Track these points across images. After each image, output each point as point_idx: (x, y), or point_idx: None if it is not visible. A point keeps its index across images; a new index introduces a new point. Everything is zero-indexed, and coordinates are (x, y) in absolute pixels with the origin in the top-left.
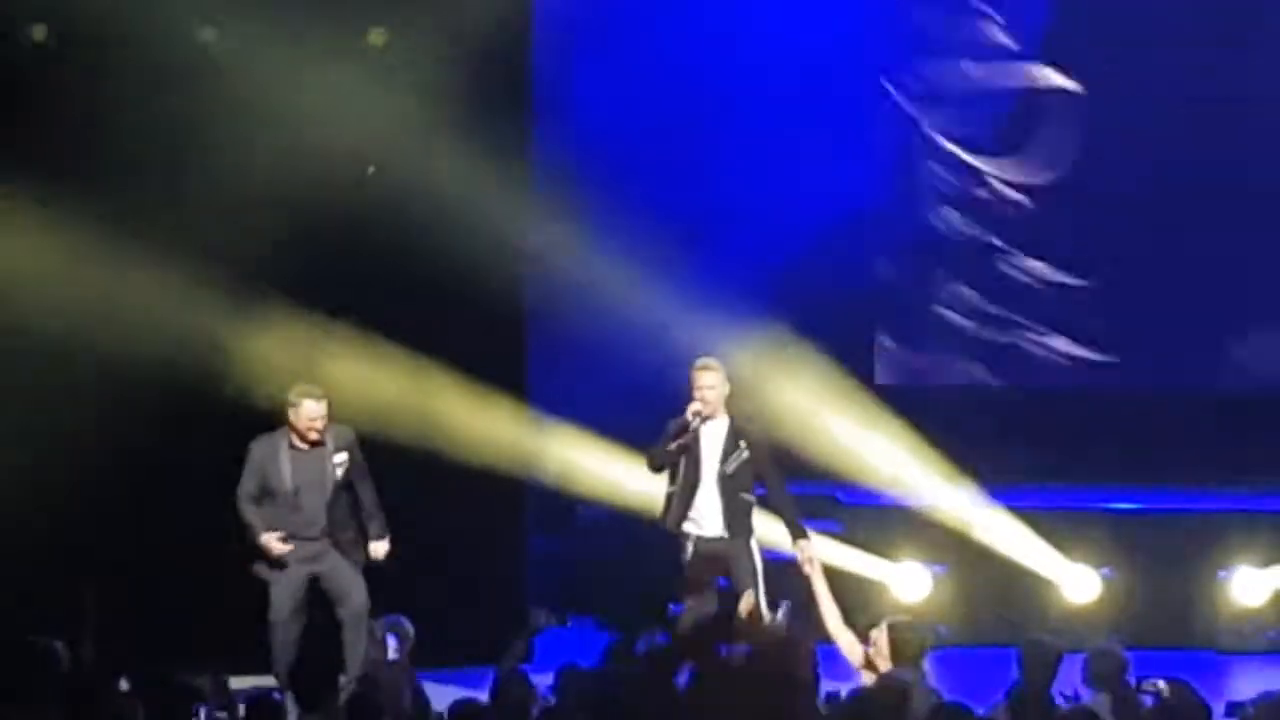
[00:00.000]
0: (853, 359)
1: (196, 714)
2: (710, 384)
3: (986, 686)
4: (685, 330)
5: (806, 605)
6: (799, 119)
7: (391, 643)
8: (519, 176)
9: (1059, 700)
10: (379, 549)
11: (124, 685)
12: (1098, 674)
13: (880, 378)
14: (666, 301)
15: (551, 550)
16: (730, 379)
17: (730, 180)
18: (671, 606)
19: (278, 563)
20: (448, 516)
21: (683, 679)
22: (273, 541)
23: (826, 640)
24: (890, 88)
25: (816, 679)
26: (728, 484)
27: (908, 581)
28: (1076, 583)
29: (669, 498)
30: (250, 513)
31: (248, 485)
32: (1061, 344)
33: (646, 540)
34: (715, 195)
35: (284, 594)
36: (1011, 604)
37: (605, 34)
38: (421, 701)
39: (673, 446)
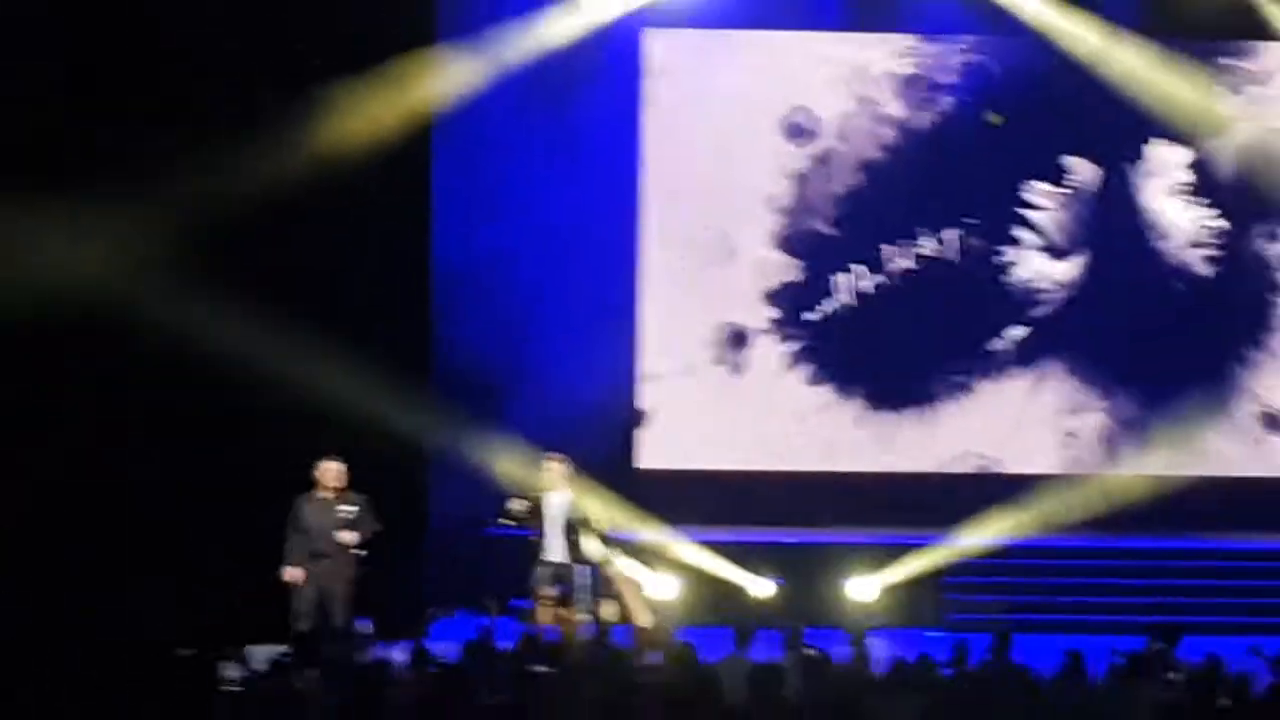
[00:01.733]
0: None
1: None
2: (555, 471)
3: (714, 650)
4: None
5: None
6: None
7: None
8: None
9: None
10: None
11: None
12: (787, 642)
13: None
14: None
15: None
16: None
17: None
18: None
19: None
20: None
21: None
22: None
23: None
24: None
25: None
26: (568, 530)
27: (663, 585)
28: (762, 586)
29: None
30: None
31: None
32: None
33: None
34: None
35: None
36: (724, 600)
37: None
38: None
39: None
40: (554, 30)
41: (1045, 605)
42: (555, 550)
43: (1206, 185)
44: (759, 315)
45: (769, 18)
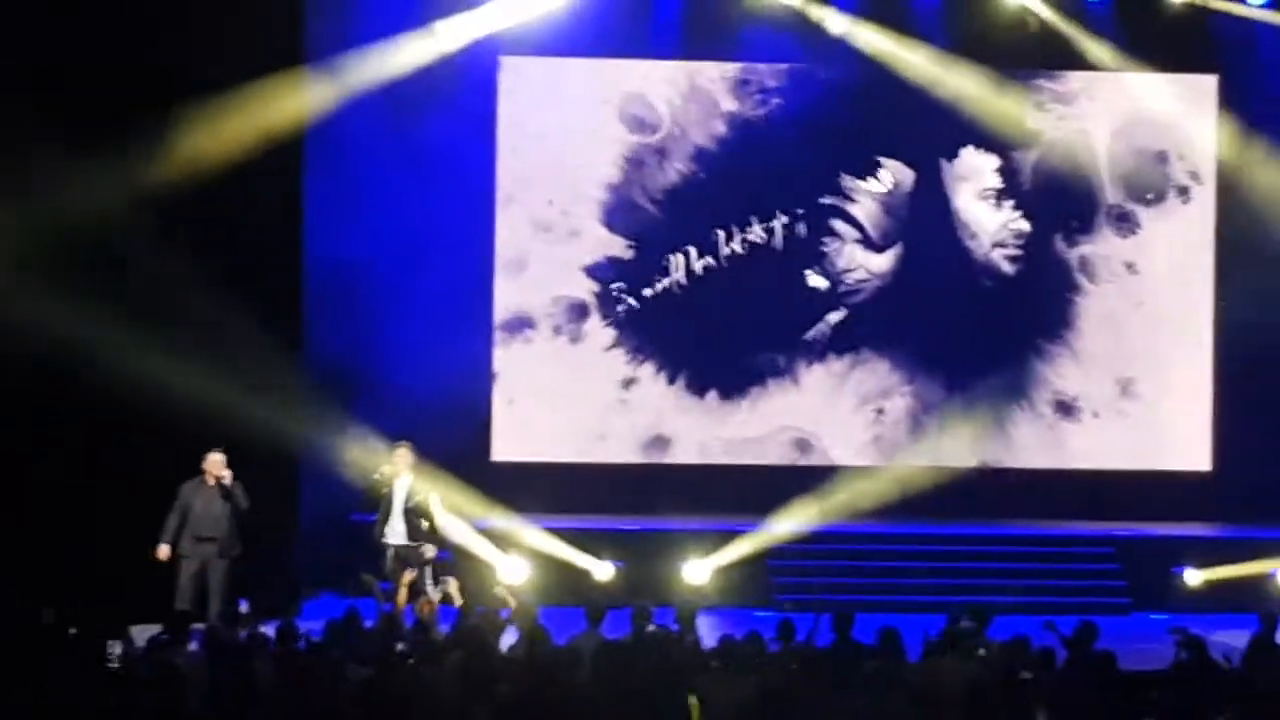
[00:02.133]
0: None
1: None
2: (402, 458)
3: (567, 629)
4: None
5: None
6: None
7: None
8: None
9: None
10: None
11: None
12: (634, 620)
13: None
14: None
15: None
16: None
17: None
18: (381, 585)
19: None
20: None
21: None
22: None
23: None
24: None
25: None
26: (409, 514)
27: (514, 567)
28: (602, 569)
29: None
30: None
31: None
32: None
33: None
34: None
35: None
36: (570, 581)
37: None
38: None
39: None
40: (414, 52)
41: (863, 586)
42: (397, 533)
43: (1012, 190)
44: (595, 293)
45: (612, 47)
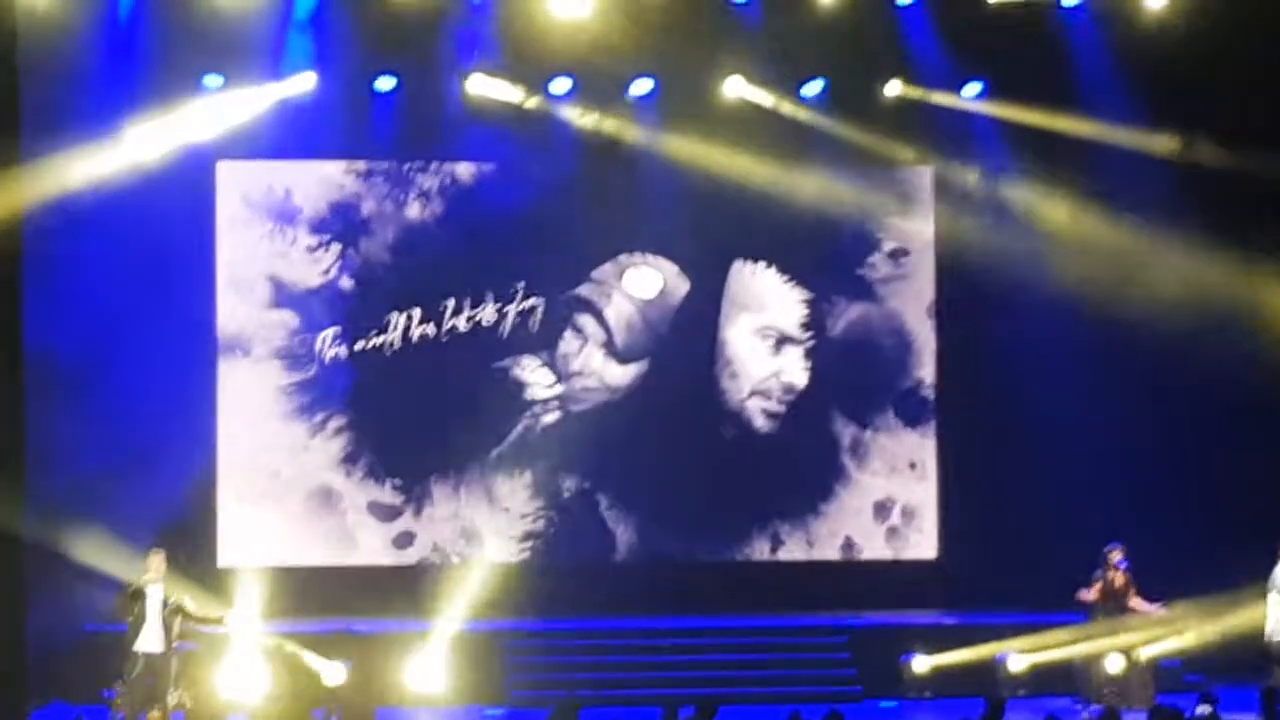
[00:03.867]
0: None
1: None
2: (156, 565)
3: None
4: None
5: None
6: None
7: None
8: None
9: None
10: None
11: None
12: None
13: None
14: None
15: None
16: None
17: None
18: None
19: None
20: None
21: None
22: None
23: None
24: None
25: None
26: (166, 619)
27: (333, 671)
28: (335, 671)
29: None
30: None
31: None
32: None
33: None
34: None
35: None
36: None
37: None
38: None
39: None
40: (135, 149)
41: (602, 681)
42: (152, 640)
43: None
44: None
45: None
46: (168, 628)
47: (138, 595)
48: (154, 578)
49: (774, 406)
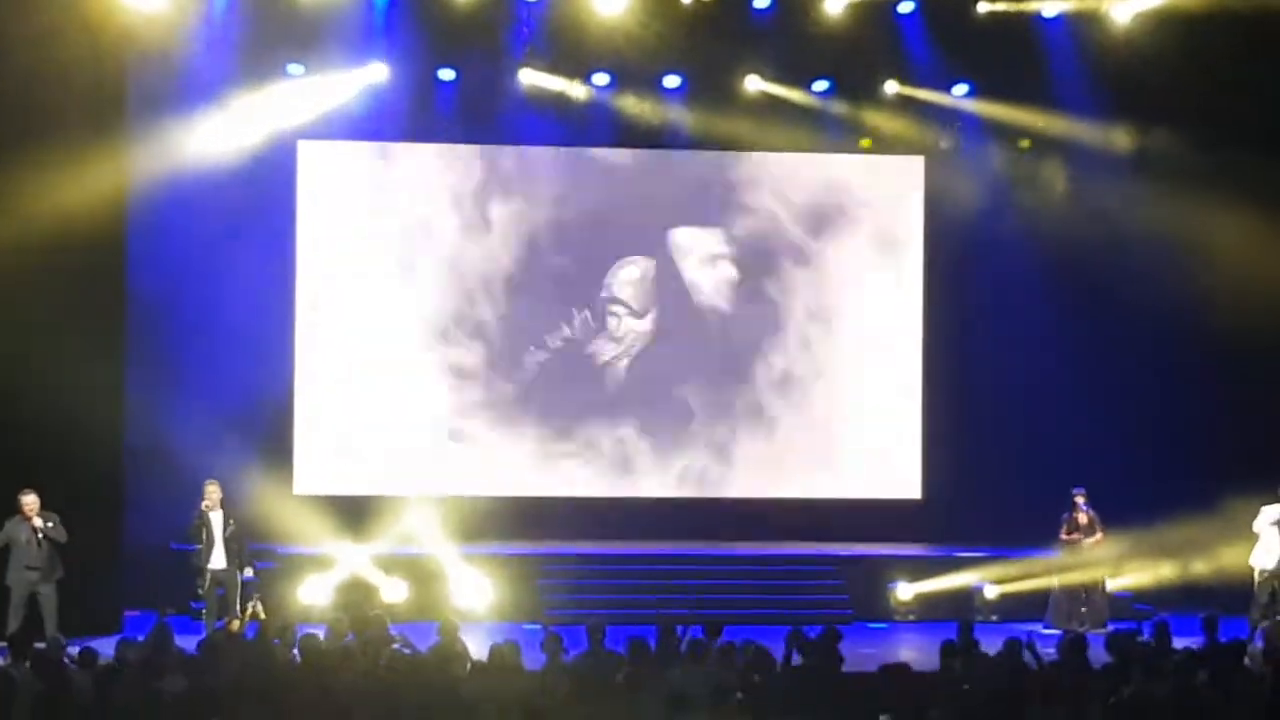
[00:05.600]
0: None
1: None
2: (212, 493)
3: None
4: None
5: None
6: None
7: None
8: None
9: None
10: None
11: None
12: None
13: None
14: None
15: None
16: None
17: None
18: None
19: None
20: None
21: None
22: None
23: None
24: None
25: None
26: (228, 542)
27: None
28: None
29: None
30: None
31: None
32: None
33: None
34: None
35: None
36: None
37: None
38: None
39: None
40: (227, 135)
41: (620, 602)
42: (219, 559)
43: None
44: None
45: (405, 133)
46: (229, 549)
47: (202, 520)
48: (211, 504)
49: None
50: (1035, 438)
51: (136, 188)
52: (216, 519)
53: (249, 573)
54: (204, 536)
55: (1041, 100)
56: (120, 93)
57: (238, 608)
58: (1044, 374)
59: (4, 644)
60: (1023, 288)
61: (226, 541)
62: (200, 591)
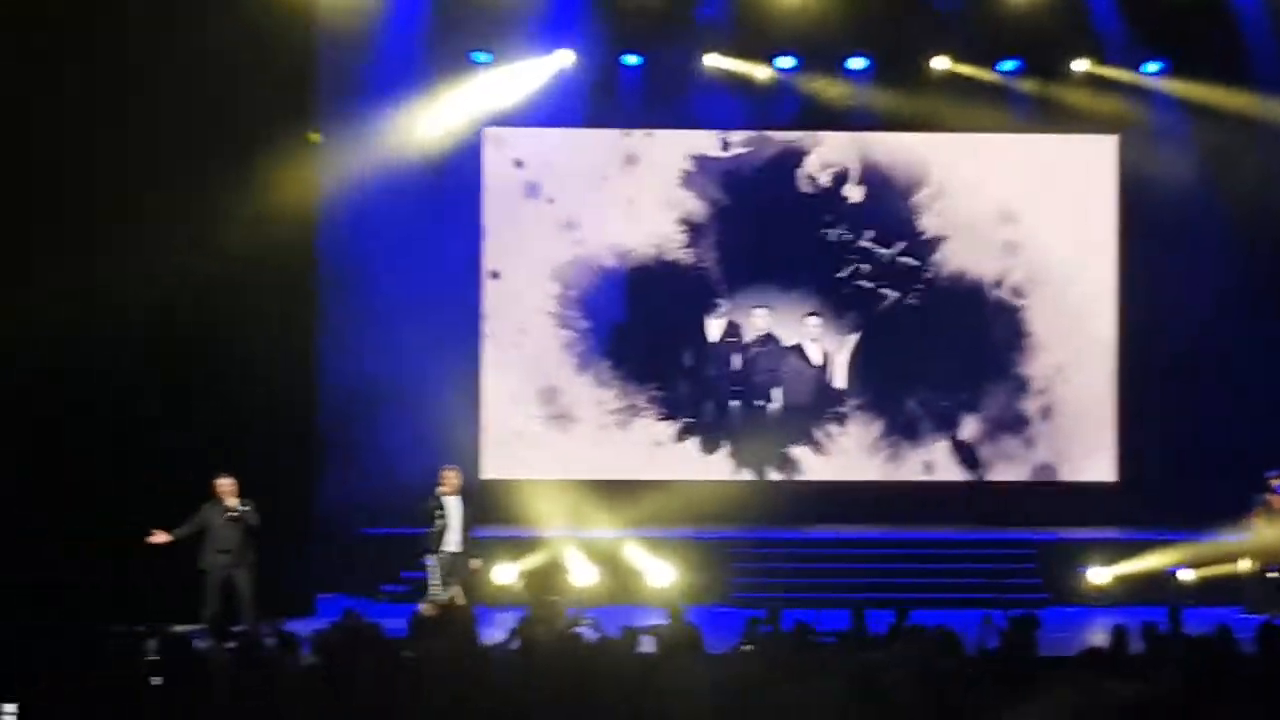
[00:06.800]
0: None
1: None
2: (450, 479)
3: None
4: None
5: None
6: None
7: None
8: None
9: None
10: None
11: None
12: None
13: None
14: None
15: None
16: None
17: None
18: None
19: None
20: None
21: None
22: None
23: None
24: None
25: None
26: (465, 527)
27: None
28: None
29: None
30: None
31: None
32: None
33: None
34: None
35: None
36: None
37: None
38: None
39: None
40: (418, 128)
41: (813, 586)
42: (453, 543)
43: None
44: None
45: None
46: (465, 535)
47: (438, 505)
48: (450, 490)
49: None
50: (1233, 420)
51: (328, 178)
52: (453, 504)
53: (476, 562)
54: (435, 521)
55: (1236, 77)
56: (311, 81)
57: (456, 592)
58: (1241, 355)
59: (203, 627)
60: (1222, 267)
61: (464, 527)
62: (432, 579)
